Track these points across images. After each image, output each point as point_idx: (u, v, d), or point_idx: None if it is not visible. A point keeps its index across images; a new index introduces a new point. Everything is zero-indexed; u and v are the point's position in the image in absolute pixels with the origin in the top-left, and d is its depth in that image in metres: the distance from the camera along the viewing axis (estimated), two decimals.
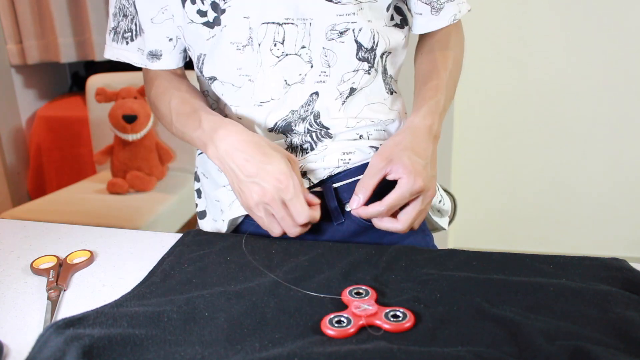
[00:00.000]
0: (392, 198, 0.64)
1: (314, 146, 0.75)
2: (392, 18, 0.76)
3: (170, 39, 0.78)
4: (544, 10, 1.89)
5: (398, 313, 0.51)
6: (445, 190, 0.99)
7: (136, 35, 0.79)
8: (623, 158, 2.00)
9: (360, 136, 0.76)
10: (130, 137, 1.78)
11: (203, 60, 0.75)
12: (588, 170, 2.03)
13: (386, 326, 0.49)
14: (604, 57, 1.90)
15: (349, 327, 0.49)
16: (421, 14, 0.77)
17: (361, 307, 0.52)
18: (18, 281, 0.64)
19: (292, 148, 0.75)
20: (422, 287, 0.56)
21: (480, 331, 0.48)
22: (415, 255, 0.64)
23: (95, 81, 1.96)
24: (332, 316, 0.51)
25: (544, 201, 2.10)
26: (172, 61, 0.80)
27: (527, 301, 0.53)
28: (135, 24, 0.79)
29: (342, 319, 0.50)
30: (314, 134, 0.75)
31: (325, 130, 0.75)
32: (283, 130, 0.75)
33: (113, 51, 0.82)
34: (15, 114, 2.33)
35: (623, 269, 0.59)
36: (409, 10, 0.80)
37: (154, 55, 0.79)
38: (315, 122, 0.74)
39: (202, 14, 0.71)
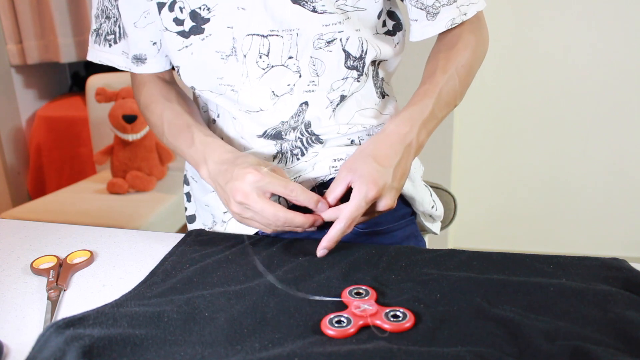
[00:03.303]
0: (349, 210, 0.62)
1: (305, 152, 0.75)
2: (384, 24, 0.75)
3: (154, 43, 0.76)
4: (544, 10, 1.89)
5: (398, 313, 0.51)
6: (446, 191, 0.99)
7: (120, 37, 0.78)
8: (623, 158, 2.00)
9: (352, 141, 0.76)
10: (130, 137, 1.78)
11: (179, 70, 0.75)
12: (588, 170, 2.03)
13: (386, 326, 0.49)
14: (604, 57, 1.90)
15: (349, 327, 0.49)
16: (416, 20, 0.74)
17: (361, 307, 0.52)
18: (18, 281, 0.64)
19: (282, 153, 0.75)
20: (422, 287, 0.56)
21: (480, 331, 0.48)
22: (415, 255, 0.64)
23: (95, 81, 1.96)
24: (332, 316, 0.51)
25: (544, 201, 2.10)
26: (157, 65, 0.79)
27: (527, 301, 0.53)
28: (119, 27, 0.77)
29: (342, 319, 0.50)
30: (304, 140, 0.74)
31: (316, 136, 0.74)
32: (273, 137, 0.74)
33: (96, 54, 0.80)
34: (15, 114, 2.33)
35: (623, 269, 0.59)
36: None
37: (139, 59, 0.78)
38: (307, 131, 0.74)
39: (179, 22, 0.69)
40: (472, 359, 0.44)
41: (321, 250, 0.64)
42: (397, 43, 0.77)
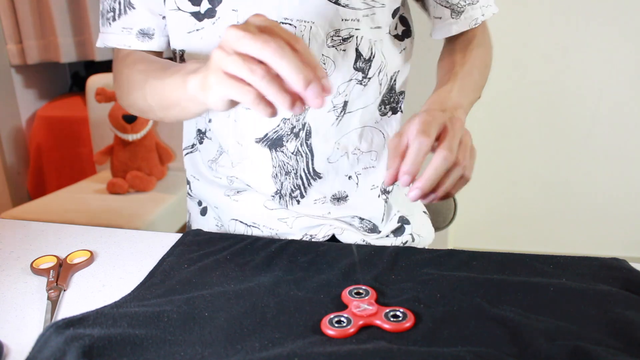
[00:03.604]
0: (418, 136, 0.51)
1: (304, 193, 0.74)
2: (395, 27, 0.73)
3: (164, 17, 0.72)
4: (544, 10, 1.89)
5: (398, 313, 0.51)
6: None
7: (119, 14, 0.72)
8: (623, 158, 2.00)
9: (349, 177, 0.75)
10: (130, 137, 1.78)
11: (182, 56, 0.71)
12: (588, 170, 2.03)
13: (386, 326, 0.49)
14: (604, 57, 1.90)
15: (349, 327, 0.49)
16: (440, 18, 0.74)
17: (361, 307, 0.52)
18: (18, 281, 0.64)
19: (281, 196, 0.74)
20: (422, 287, 0.56)
21: (480, 331, 0.48)
22: (415, 255, 0.64)
23: (95, 81, 1.96)
24: (332, 316, 0.51)
25: (544, 201, 2.10)
26: (162, 42, 0.74)
27: (527, 301, 0.53)
28: (119, 2, 0.72)
29: (342, 319, 0.50)
30: (304, 178, 0.73)
31: (312, 155, 0.72)
32: (272, 143, 0.71)
33: (101, 37, 0.75)
34: (15, 114, 2.33)
35: (623, 269, 0.59)
36: (428, 14, 0.77)
37: (145, 34, 0.72)
38: (306, 143, 0.71)
39: (196, 2, 0.66)
40: (472, 359, 0.44)
41: (415, 190, 0.52)
42: (404, 49, 0.75)
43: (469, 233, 2.18)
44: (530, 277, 0.57)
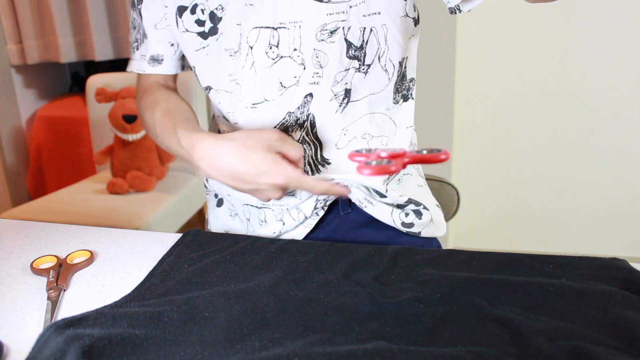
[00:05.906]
0: None
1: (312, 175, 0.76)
2: (413, 10, 0.74)
3: (172, 44, 0.81)
4: (545, 10, 1.89)
5: (432, 147, 0.46)
6: (448, 184, 1.00)
7: (141, 43, 0.82)
8: (623, 158, 2.00)
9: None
10: (130, 137, 1.78)
11: (195, 71, 0.77)
12: (588, 170, 2.03)
13: (424, 152, 0.44)
14: (604, 57, 1.90)
15: (389, 165, 0.44)
16: None
17: (383, 153, 0.46)
18: (18, 281, 0.64)
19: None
20: (422, 287, 0.56)
21: (480, 331, 0.48)
22: (415, 255, 0.64)
23: (95, 81, 1.96)
24: (364, 159, 0.44)
25: (544, 201, 2.10)
26: (172, 66, 0.83)
27: (527, 301, 0.53)
28: (140, 33, 0.81)
29: (374, 162, 0.45)
30: (312, 165, 0.75)
31: (319, 142, 0.74)
32: None
33: (130, 63, 0.86)
34: (15, 114, 2.33)
35: (623, 269, 0.59)
36: None
37: (155, 60, 0.82)
38: (312, 132, 0.74)
39: (200, 23, 0.73)
40: (472, 359, 0.44)
41: None
42: (413, 35, 0.76)
43: (469, 233, 2.18)
44: (530, 277, 0.57)
